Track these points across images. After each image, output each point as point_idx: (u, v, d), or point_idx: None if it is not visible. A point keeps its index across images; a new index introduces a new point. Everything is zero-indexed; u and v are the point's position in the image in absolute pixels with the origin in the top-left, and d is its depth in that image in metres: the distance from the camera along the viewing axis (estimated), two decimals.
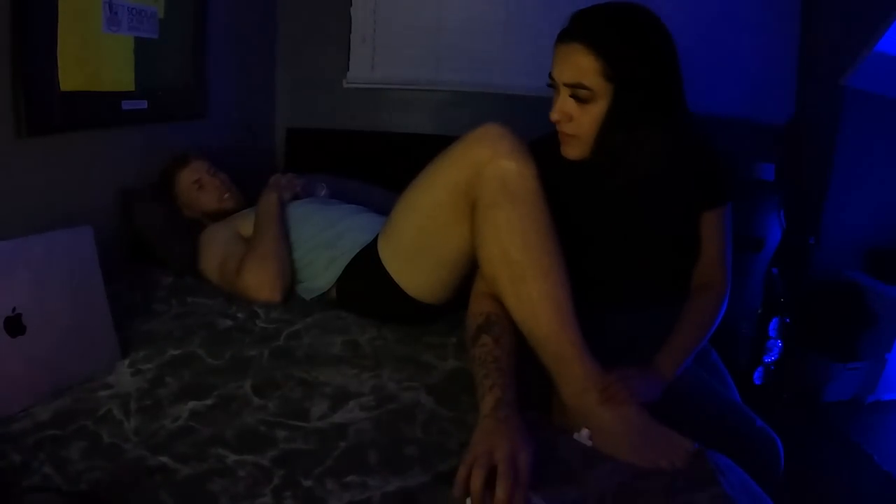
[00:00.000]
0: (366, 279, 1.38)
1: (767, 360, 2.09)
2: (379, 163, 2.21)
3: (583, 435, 0.99)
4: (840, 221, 2.23)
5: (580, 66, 1.08)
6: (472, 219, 1.15)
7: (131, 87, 1.67)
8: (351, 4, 2.36)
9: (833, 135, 2.17)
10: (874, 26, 1.95)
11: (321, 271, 1.48)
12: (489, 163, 1.11)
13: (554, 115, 1.14)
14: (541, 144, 1.20)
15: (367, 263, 1.37)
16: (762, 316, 2.07)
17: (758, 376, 2.09)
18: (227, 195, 1.74)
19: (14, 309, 0.96)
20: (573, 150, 1.17)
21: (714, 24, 2.21)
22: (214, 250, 1.56)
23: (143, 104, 1.72)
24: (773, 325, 2.07)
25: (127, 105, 1.66)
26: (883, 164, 2.21)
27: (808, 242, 2.22)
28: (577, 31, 1.09)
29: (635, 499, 0.88)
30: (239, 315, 1.37)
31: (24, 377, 0.99)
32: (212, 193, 1.73)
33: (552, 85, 1.14)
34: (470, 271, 1.27)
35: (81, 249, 1.08)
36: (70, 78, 1.45)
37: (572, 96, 1.11)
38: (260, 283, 1.43)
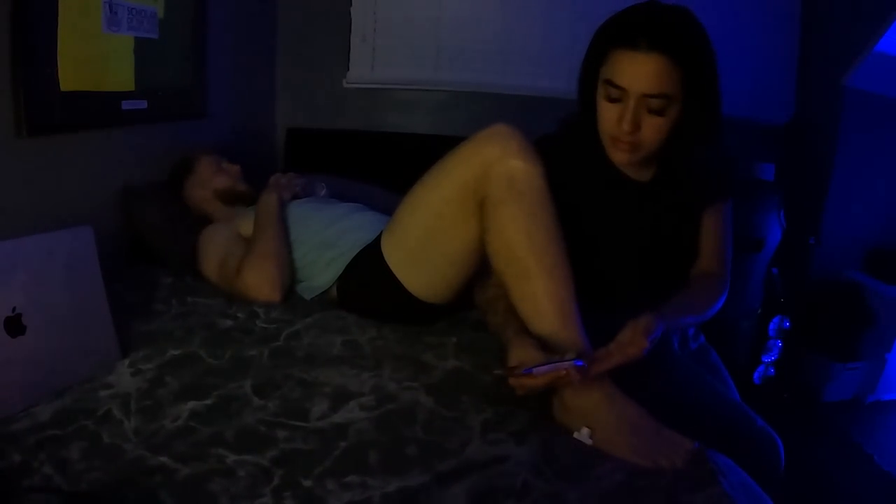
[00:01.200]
0: (368, 277, 1.38)
1: (767, 360, 2.09)
2: (379, 163, 2.21)
3: (583, 434, 0.99)
4: (840, 221, 2.23)
5: (664, 77, 1.06)
6: (479, 217, 1.16)
7: (131, 87, 1.67)
8: (351, 4, 2.36)
9: (833, 135, 2.17)
10: (874, 26, 1.95)
11: (321, 270, 1.48)
12: (498, 161, 1.11)
13: (625, 126, 1.10)
14: (546, 144, 1.20)
15: (369, 262, 1.38)
16: (762, 316, 2.07)
17: (758, 376, 2.09)
18: (240, 180, 1.78)
19: (14, 309, 0.96)
20: (626, 157, 1.16)
21: (714, 24, 2.20)
22: (214, 250, 1.56)
23: (143, 104, 1.72)
24: (773, 325, 2.07)
25: (127, 105, 1.66)
26: (883, 163, 2.21)
27: (808, 242, 2.22)
28: (653, 39, 1.06)
29: (635, 498, 0.88)
30: (239, 315, 1.37)
31: (24, 377, 0.99)
32: (229, 174, 1.77)
33: (617, 97, 1.11)
34: (474, 271, 1.28)
35: (81, 249, 1.08)
36: (70, 78, 1.45)
37: (645, 106, 1.09)
38: (259, 282, 1.43)
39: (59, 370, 1.04)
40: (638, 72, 1.07)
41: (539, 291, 1.07)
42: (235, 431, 0.97)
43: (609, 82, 1.11)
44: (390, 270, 1.33)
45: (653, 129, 1.12)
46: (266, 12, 2.37)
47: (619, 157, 1.17)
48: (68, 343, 1.05)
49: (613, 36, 1.11)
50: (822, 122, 2.23)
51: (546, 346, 1.05)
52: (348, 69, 2.42)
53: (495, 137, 1.14)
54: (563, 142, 1.27)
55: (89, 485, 0.84)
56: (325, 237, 1.52)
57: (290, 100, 2.47)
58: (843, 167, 2.19)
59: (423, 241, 1.28)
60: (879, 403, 2.19)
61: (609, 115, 1.13)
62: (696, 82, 1.09)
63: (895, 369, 2.16)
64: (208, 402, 1.04)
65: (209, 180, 1.75)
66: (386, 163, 2.11)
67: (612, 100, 1.12)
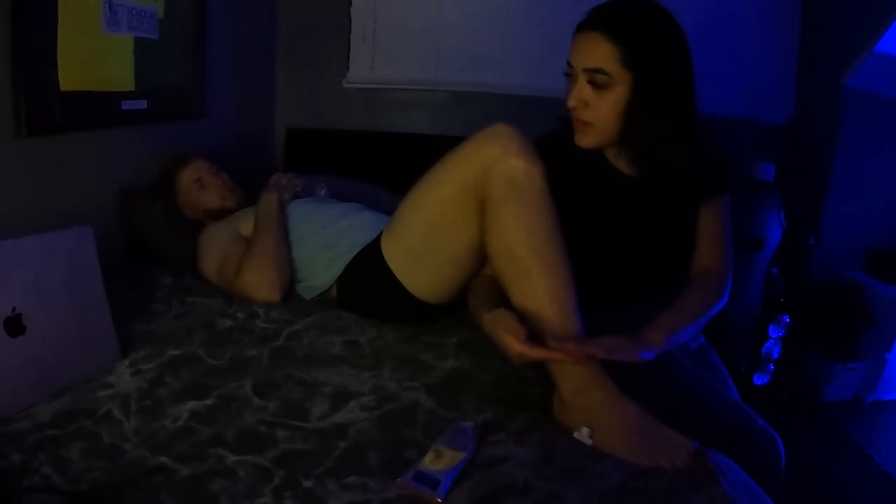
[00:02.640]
0: (368, 278, 1.38)
1: (767, 359, 2.09)
2: (379, 163, 2.21)
3: (583, 434, 0.99)
4: (840, 221, 2.22)
5: (599, 52, 1.12)
6: (479, 217, 1.16)
7: (131, 87, 1.67)
8: (351, 4, 2.36)
9: (833, 135, 2.17)
10: (874, 26, 1.95)
11: (321, 270, 1.48)
12: (498, 161, 1.12)
13: (571, 102, 1.17)
14: (546, 142, 1.21)
15: (369, 262, 1.38)
16: (762, 316, 2.07)
17: (758, 376, 2.09)
18: (227, 194, 1.74)
19: (14, 309, 0.96)
20: (588, 139, 1.20)
21: (714, 23, 2.20)
22: (214, 250, 1.56)
23: (143, 104, 1.71)
24: (773, 325, 2.07)
25: (127, 105, 1.66)
26: (883, 163, 2.20)
27: (808, 242, 2.22)
28: (596, 20, 1.14)
29: (635, 498, 0.88)
30: (239, 315, 1.37)
31: (24, 377, 0.99)
32: (213, 192, 1.73)
33: (570, 73, 1.18)
34: (474, 271, 1.28)
35: (81, 249, 1.08)
36: (70, 78, 1.45)
37: (590, 82, 1.15)
38: (259, 282, 1.43)
39: (59, 370, 1.04)
40: (578, 48, 1.16)
41: (540, 291, 1.07)
42: (235, 431, 0.97)
43: (567, 64, 1.18)
44: (390, 270, 1.33)
45: (599, 104, 1.16)
46: (266, 12, 2.37)
47: (579, 139, 1.21)
48: (68, 343, 1.05)
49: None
50: (822, 122, 2.23)
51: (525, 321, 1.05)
52: (348, 69, 2.42)
53: (495, 137, 1.14)
54: (562, 140, 1.28)
55: (89, 485, 0.84)
56: (325, 237, 1.52)
57: (290, 100, 2.47)
58: (842, 167, 2.19)
59: (424, 240, 1.28)
60: (879, 403, 2.18)
61: (568, 96, 1.19)
62: (638, 61, 1.12)
63: (895, 369, 2.16)
64: (208, 402, 1.04)
65: (196, 202, 1.73)
66: (386, 163, 2.12)
67: (569, 81, 1.18)
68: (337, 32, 2.39)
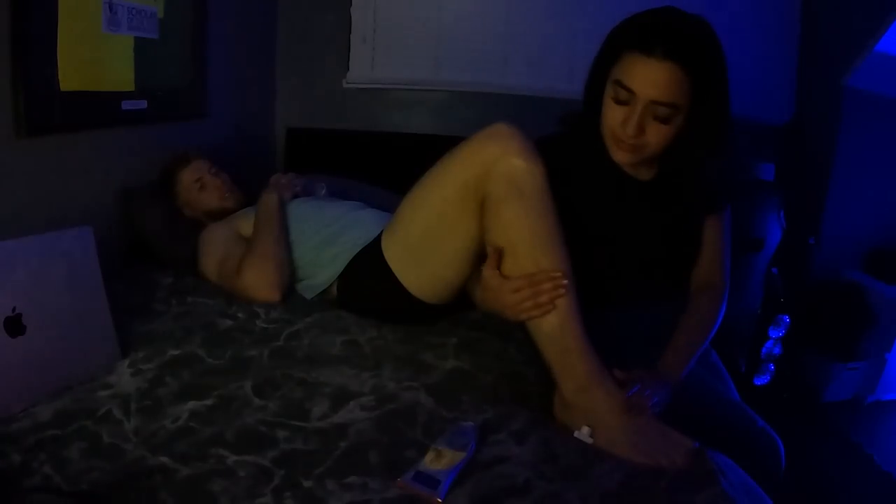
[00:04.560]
0: (368, 277, 1.38)
1: (767, 360, 2.09)
2: (379, 163, 2.21)
3: (584, 433, 0.99)
4: (840, 221, 2.23)
5: (675, 86, 1.07)
6: (479, 217, 1.16)
7: (131, 87, 1.67)
8: (351, 4, 2.36)
9: (833, 135, 2.17)
10: (874, 26, 1.95)
11: (322, 269, 1.48)
12: (498, 160, 1.11)
13: (629, 131, 1.11)
14: (548, 142, 1.20)
15: (369, 261, 1.37)
16: (762, 316, 2.07)
17: (757, 376, 2.10)
18: (227, 194, 1.74)
19: (14, 309, 0.96)
20: (628, 157, 1.17)
21: (714, 23, 2.20)
22: (214, 250, 1.56)
23: (143, 104, 1.71)
24: (773, 325, 2.07)
25: (127, 105, 1.66)
26: (883, 163, 2.21)
27: (808, 242, 2.22)
28: (670, 48, 1.06)
29: (636, 497, 0.88)
30: (239, 315, 1.37)
31: (24, 377, 0.99)
32: (213, 193, 1.73)
33: (624, 100, 1.10)
34: (474, 271, 1.27)
35: (81, 249, 1.08)
36: (70, 78, 1.45)
37: (651, 112, 1.10)
38: (259, 282, 1.43)
39: (59, 370, 1.04)
40: (649, 78, 1.07)
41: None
42: (235, 431, 0.97)
43: (619, 83, 1.10)
44: (390, 270, 1.33)
45: (657, 135, 1.12)
46: (266, 12, 2.37)
47: (620, 156, 1.18)
48: (68, 343, 1.05)
49: (629, 38, 1.10)
50: (822, 122, 2.23)
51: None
52: (348, 69, 2.42)
53: (496, 136, 1.14)
54: (564, 139, 1.28)
55: (89, 485, 0.84)
56: (326, 235, 1.52)
57: (290, 100, 2.47)
58: (842, 167, 2.19)
59: (424, 240, 1.28)
60: (879, 403, 2.19)
61: (614, 116, 1.13)
62: (705, 93, 1.10)
63: (895, 369, 2.16)
64: (208, 402, 1.04)
65: (196, 202, 1.73)
66: (386, 163, 2.11)
67: (619, 101, 1.12)
68: (337, 32, 2.39)
